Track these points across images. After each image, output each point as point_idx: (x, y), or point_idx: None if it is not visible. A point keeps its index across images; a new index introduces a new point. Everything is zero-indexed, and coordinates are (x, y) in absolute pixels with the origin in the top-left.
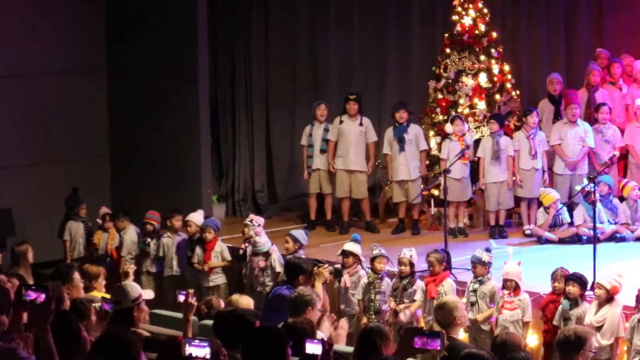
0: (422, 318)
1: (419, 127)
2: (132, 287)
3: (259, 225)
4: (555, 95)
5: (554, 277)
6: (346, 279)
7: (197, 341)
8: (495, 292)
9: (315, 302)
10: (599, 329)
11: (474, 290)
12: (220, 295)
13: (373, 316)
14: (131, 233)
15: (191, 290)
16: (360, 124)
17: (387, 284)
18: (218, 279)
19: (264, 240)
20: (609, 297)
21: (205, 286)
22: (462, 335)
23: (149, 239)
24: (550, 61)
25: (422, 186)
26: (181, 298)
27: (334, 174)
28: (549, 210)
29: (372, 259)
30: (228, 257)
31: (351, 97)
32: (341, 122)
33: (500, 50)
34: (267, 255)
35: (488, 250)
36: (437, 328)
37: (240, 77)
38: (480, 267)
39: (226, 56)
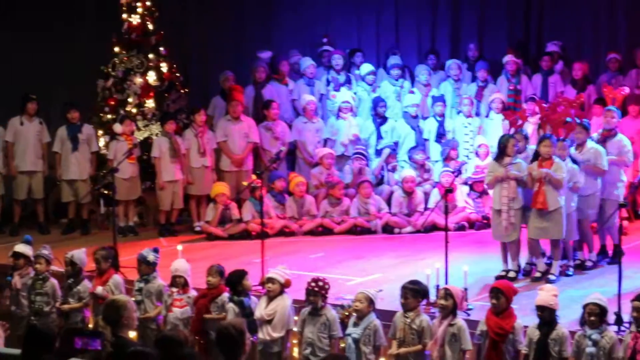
0: (92, 318)
1: (92, 127)
2: None
3: None
4: None
5: (209, 272)
6: (17, 280)
7: None
8: (161, 291)
9: None
10: (269, 322)
11: (139, 289)
12: None
13: (32, 318)
14: None
15: None
16: (40, 123)
17: (51, 285)
18: None
19: None
20: (280, 291)
21: None
22: (132, 334)
23: None
24: (219, 58)
25: (91, 185)
26: None
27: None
28: (217, 205)
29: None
30: None
31: (33, 97)
32: (22, 123)
33: (169, 48)
34: None
35: (156, 250)
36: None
37: None
38: (144, 266)
39: None
